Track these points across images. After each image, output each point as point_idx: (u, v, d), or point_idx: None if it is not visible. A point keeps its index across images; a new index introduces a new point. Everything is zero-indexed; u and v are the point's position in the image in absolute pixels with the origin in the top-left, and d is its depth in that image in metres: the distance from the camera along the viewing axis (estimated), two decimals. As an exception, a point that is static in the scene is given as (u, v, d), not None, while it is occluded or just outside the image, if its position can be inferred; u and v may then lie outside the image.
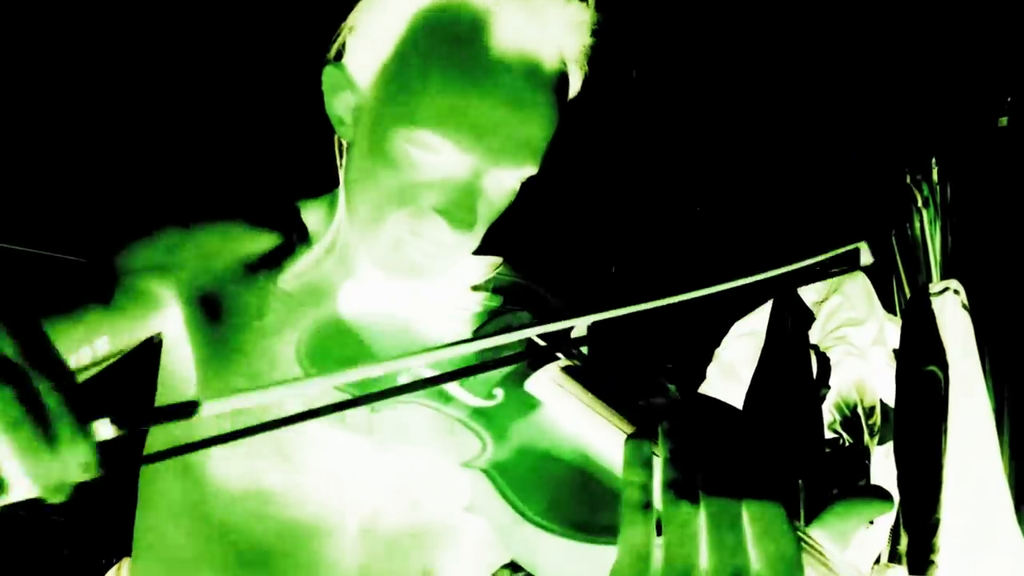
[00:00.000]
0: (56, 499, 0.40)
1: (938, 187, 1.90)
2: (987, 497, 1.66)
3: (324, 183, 0.79)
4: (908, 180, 1.94)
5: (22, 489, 0.38)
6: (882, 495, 0.44)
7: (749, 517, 0.40)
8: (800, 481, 1.67)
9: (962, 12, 2.06)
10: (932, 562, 1.62)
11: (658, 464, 0.43)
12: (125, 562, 1.34)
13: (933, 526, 1.65)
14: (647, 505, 0.41)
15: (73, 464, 0.39)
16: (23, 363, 0.39)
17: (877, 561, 1.74)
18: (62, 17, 1.86)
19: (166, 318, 0.72)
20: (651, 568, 0.40)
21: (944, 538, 1.64)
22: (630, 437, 0.45)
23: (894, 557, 1.72)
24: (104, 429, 0.41)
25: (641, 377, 0.61)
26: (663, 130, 2.48)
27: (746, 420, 0.50)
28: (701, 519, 0.40)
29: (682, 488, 0.41)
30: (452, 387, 0.60)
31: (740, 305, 2.03)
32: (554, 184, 0.72)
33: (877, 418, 1.89)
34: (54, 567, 1.93)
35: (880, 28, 2.22)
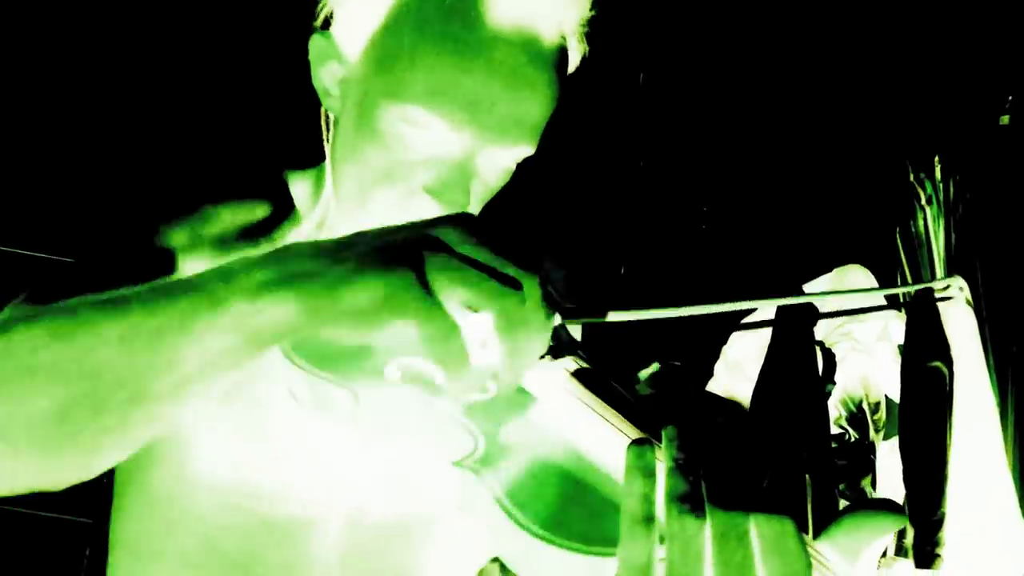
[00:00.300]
0: (535, 360, 0.45)
1: (941, 184, 1.90)
2: (992, 491, 1.66)
3: (313, 155, 0.76)
4: (911, 177, 1.94)
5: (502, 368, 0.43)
6: (893, 508, 0.42)
7: (757, 533, 0.38)
8: (807, 477, 1.68)
9: (964, 9, 2.07)
10: (938, 556, 1.62)
11: (662, 473, 0.41)
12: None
13: (939, 520, 1.65)
14: (649, 517, 0.39)
15: (548, 334, 0.44)
16: (518, 248, 0.42)
17: (884, 555, 1.75)
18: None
19: None
20: None
21: (950, 532, 1.64)
22: (633, 443, 0.42)
23: (900, 551, 1.73)
24: (556, 318, 0.46)
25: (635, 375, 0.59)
26: (668, 129, 2.49)
27: (753, 421, 0.50)
28: (707, 533, 0.38)
29: (687, 500, 0.39)
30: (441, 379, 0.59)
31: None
32: (561, 184, 0.71)
33: (882, 414, 1.89)
34: (76, 567, 1.95)
35: (882, 26, 2.23)
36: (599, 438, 0.51)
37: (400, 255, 0.40)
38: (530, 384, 0.57)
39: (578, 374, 0.57)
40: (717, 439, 0.43)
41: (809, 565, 0.37)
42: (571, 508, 0.47)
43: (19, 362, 0.42)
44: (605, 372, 0.60)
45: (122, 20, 1.94)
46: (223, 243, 0.69)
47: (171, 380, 0.42)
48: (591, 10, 0.65)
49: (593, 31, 0.66)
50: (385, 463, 0.72)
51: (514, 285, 0.41)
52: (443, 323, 0.40)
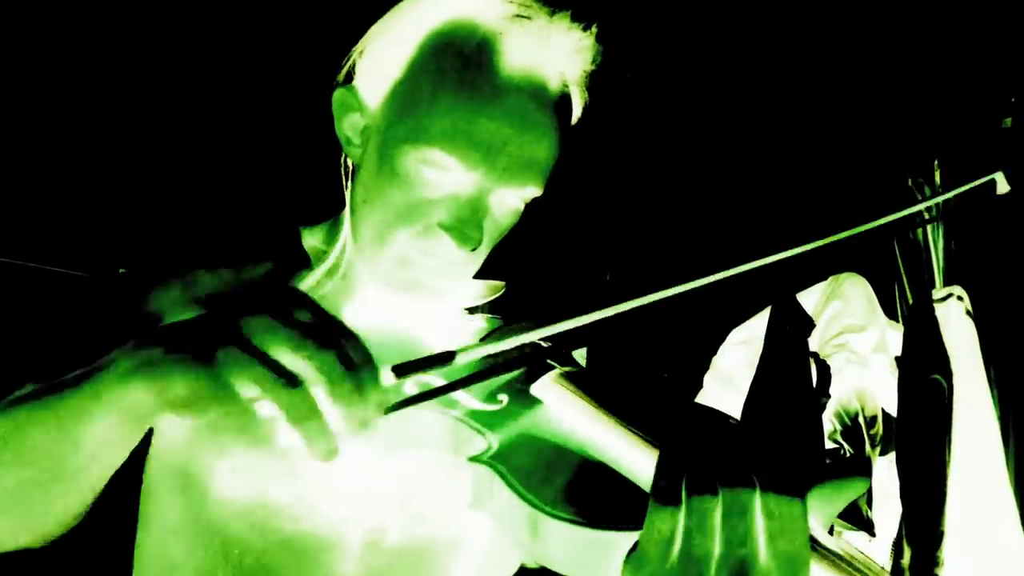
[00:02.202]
0: (363, 430, 0.50)
1: (941, 190, 1.86)
2: (993, 509, 1.62)
3: (324, 212, 0.82)
4: (910, 183, 1.90)
5: (338, 427, 0.48)
6: (860, 471, 0.46)
7: (766, 512, 0.41)
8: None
9: (964, 11, 2.02)
10: (936, 576, 1.58)
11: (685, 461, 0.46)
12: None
13: (937, 539, 1.61)
14: (674, 495, 0.43)
15: (375, 403, 0.49)
16: (326, 329, 0.48)
17: (880, 576, 1.70)
18: (67, 44, 1.87)
19: None
20: (672, 555, 0.42)
21: (948, 551, 1.59)
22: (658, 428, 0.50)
23: (897, 572, 1.67)
24: (388, 378, 0.51)
25: (638, 383, 0.64)
26: (658, 128, 2.46)
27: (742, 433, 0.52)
28: (718, 510, 0.42)
29: (702, 479, 0.43)
30: (458, 393, 0.62)
31: (738, 311, 2.00)
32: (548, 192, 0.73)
33: (879, 428, 1.85)
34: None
35: (881, 28, 2.19)
36: (602, 434, 0.56)
37: (205, 351, 0.47)
38: (539, 391, 0.63)
39: (572, 376, 0.63)
40: (730, 432, 0.47)
41: (809, 549, 0.41)
42: (581, 489, 0.52)
43: None
44: (597, 374, 0.66)
45: (147, 75, 1.96)
46: (222, 301, 0.74)
47: (79, 459, 0.52)
48: (592, 64, 0.70)
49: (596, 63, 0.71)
50: (404, 482, 0.74)
51: (291, 382, 0.46)
52: (239, 411, 0.46)
